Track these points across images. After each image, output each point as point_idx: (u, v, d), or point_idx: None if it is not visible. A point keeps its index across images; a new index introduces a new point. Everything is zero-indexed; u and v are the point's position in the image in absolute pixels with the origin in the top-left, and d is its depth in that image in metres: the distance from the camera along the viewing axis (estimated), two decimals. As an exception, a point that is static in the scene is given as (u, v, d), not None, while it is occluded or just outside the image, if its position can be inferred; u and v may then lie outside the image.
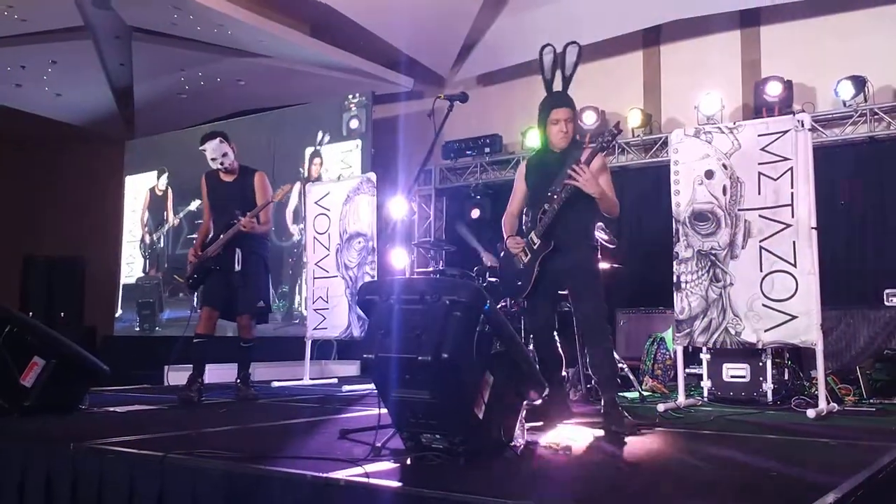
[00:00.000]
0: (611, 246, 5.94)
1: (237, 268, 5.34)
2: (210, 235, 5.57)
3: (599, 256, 4.52)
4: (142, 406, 4.96)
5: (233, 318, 5.61)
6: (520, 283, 4.31)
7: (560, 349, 4.58)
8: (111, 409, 4.74)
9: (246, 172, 5.62)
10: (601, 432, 3.76)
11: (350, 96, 9.58)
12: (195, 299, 5.59)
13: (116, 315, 11.55)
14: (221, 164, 5.47)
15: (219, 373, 6.84)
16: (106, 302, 11.63)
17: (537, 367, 3.88)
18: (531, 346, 5.07)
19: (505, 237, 4.52)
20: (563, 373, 5.06)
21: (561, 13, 8.25)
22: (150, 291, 11.29)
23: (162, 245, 11.29)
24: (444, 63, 9.43)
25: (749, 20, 8.08)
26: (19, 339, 4.34)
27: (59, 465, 3.04)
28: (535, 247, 4.24)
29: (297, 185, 9.52)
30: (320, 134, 9.87)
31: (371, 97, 9.46)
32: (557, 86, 4.43)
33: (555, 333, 4.55)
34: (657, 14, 8.16)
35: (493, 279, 6.02)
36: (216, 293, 5.46)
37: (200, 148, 5.48)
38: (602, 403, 4.08)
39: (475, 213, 9.17)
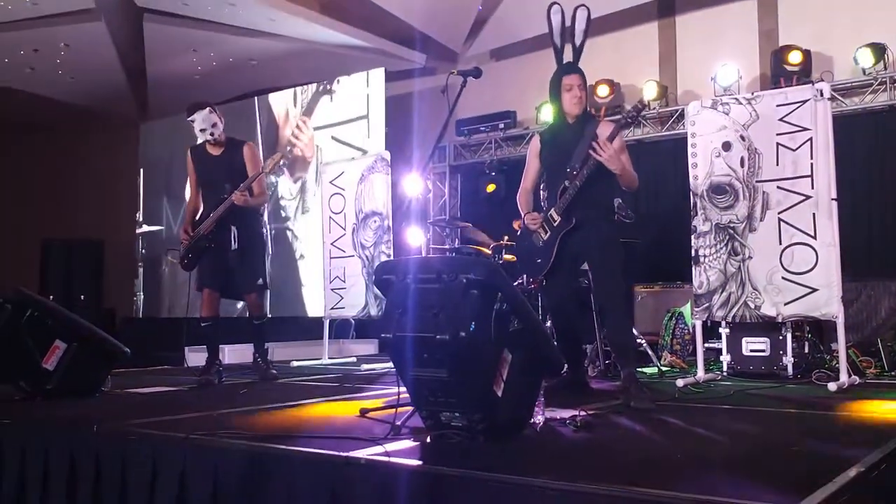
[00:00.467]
0: (627, 221, 5.90)
1: (234, 246, 5.19)
2: (200, 212, 5.40)
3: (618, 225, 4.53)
4: (163, 388, 5.00)
5: (234, 296, 5.53)
6: (539, 260, 4.29)
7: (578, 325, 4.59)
8: (133, 390, 4.78)
9: (234, 144, 5.42)
10: (620, 408, 3.75)
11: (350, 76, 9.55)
12: (191, 279, 5.46)
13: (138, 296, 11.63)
14: (211, 134, 5.27)
15: (237, 353, 6.90)
16: (125, 284, 11.72)
17: (555, 343, 3.88)
18: (548, 323, 5.07)
19: (522, 214, 4.50)
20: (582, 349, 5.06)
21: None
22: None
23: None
24: (457, 38, 9.36)
25: (766, -12, 7.95)
26: (40, 323, 4.38)
27: (83, 448, 3.07)
28: (555, 224, 4.22)
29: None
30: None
31: (384, 74, 9.39)
32: (568, 55, 4.39)
33: (573, 310, 4.55)
34: (672, -16, 8.05)
35: (509, 257, 6.00)
36: (214, 273, 5.32)
37: (188, 119, 5.29)
38: (621, 378, 4.08)
39: (490, 188, 9.13)
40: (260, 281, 5.40)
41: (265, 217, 5.70)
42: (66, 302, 10.14)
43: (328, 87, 9.92)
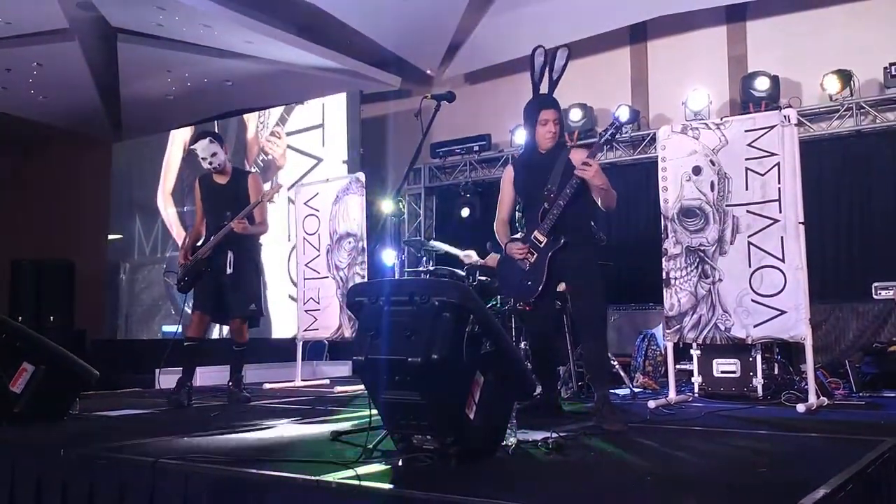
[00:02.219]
0: (600, 244, 5.95)
1: (229, 270, 5.31)
2: (202, 238, 5.53)
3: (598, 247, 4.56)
4: (133, 410, 4.94)
5: (224, 321, 5.58)
6: (529, 283, 4.27)
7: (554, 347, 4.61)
8: (102, 413, 4.72)
9: (239, 175, 5.61)
10: (593, 430, 3.76)
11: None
12: (184, 302, 5.53)
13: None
14: (210, 164, 5.43)
15: (212, 375, 6.83)
16: (96, 305, 11.59)
17: (528, 365, 3.90)
18: (522, 345, 5.08)
19: (502, 244, 4.49)
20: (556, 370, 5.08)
21: (548, 11, 8.26)
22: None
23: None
24: (432, 61, 9.43)
25: (735, 15, 8.11)
26: (8, 344, 4.30)
27: (50, 472, 3.03)
28: (541, 245, 4.22)
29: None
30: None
31: (359, 96, 9.44)
32: (544, 88, 4.46)
33: (552, 331, 4.57)
34: (643, 10, 8.18)
35: (483, 278, 6.02)
36: (207, 297, 5.42)
37: (191, 147, 5.47)
38: (594, 400, 4.10)
39: (465, 212, 9.17)
40: (253, 306, 5.47)
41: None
42: (36, 323, 10.02)
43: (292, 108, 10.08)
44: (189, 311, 5.60)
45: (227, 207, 5.39)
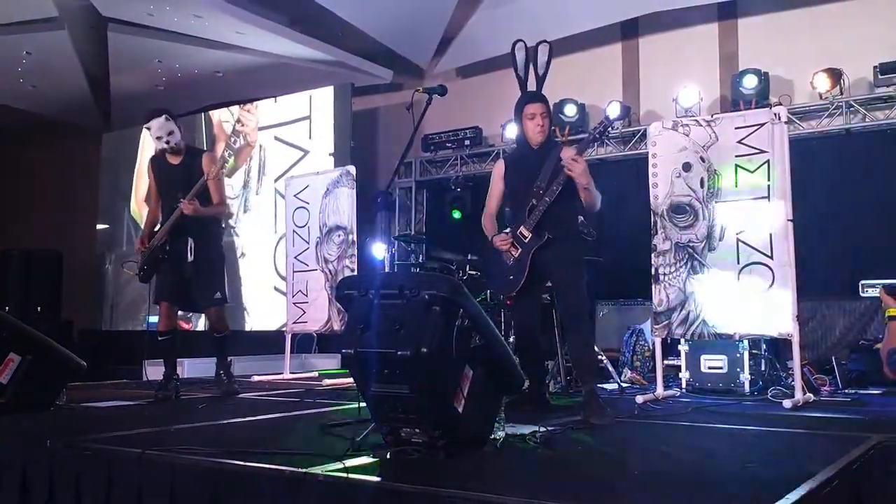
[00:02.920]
0: (589, 239, 5.96)
1: (189, 258, 5.06)
2: (158, 223, 5.27)
3: (584, 243, 4.58)
4: (120, 402, 4.93)
5: (192, 308, 5.42)
6: (511, 277, 4.30)
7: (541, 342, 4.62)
8: (89, 404, 4.70)
9: (193, 153, 5.31)
10: (581, 424, 3.78)
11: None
12: (149, 291, 5.37)
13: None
14: (167, 142, 5.15)
15: (198, 367, 6.82)
16: (84, 295, 11.53)
17: (516, 360, 3.91)
18: (510, 339, 5.09)
19: (489, 237, 4.52)
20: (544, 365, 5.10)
21: (540, 5, 8.25)
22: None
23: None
24: (424, 55, 9.41)
25: (726, 13, 8.12)
26: (-6, 335, 4.29)
27: (36, 464, 3.02)
28: (525, 240, 4.24)
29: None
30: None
31: (350, 89, 9.42)
32: (533, 86, 4.47)
33: (538, 326, 4.59)
34: (635, 7, 8.18)
35: (473, 272, 6.02)
36: (170, 286, 5.19)
37: (145, 126, 5.19)
38: (582, 394, 4.11)
39: (456, 215, 9.13)
40: (218, 295, 5.27)
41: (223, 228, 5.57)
42: (24, 313, 9.94)
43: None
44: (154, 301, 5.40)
45: (180, 189, 5.07)
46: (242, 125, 10.15)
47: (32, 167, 12.67)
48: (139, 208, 11.10)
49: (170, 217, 5.10)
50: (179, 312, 5.56)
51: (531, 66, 4.47)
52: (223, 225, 5.44)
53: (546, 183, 4.20)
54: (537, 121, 4.29)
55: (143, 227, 5.50)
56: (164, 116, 5.18)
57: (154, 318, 10.46)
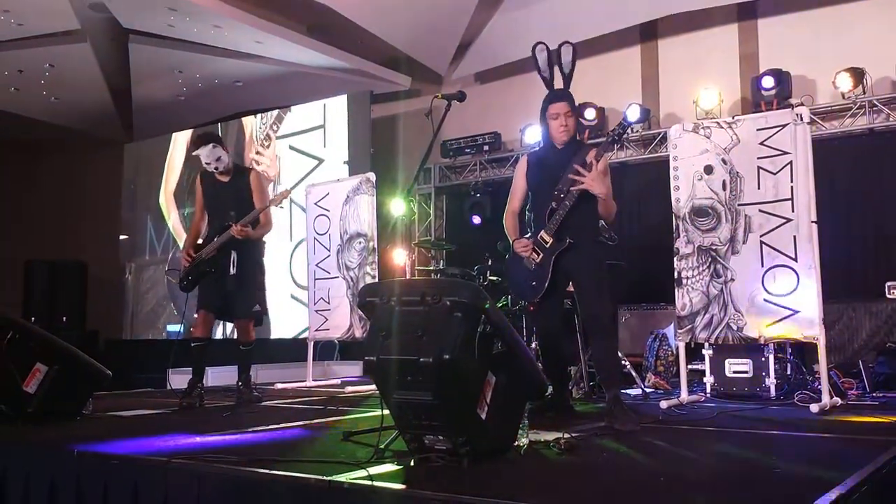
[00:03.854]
0: (610, 243, 5.93)
1: (232, 271, 5.29)
2: (204, 234, 5.52)
3: (604, 247, 4.56)
4: (145, 410, 4.96)
5: (228, 319, 5.55)
6: (534, 283, 4.28)
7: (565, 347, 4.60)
8: (115, 413, 4.74)
9: (241, 172, 5.58)
10: (605, 430, 3.75)
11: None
12: (186, 303, 5.52)
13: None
14: (216, 168, 5.42)
15: (221, 375, 6.86)
16: (108, 305, 11.64)
17: (539, 366, 3.89)
18: (533, 345, 5.08)
19: (510, 238, 4.52)
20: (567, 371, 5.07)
21: (557, 9, 8.24)
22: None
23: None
24: (442, 61, 9.42)
25: (746, 13, 8.07)
26: (21, 345, 4.33)
27: (64, 472, 3.05)
28: (546, 245, 4.23)
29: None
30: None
31: (370, 96, 9.46)
32: (559, 84, 4.45)
33: (562, 332, 4.57)
34: (654, 9, 8.16)
35: (494, 278, 6.01)
36: (211, 296, 5.41)
37: (194, 153, 5.43)
38: (606, 400, 4.09)
39: (476, 220, 9.14)
40: (257, 307, 5.46)
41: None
42: (49, 324, 10.07)
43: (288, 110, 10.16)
44: (187, 311, 5.58)
45: (231, 206, 5.36)
46: (260, 154, 10.24)
47: (55, 178, 12.82)
48: (167, 200, 11.29)
49: (218, 233, 5.34)
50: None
51: (556, 67, 4.42)
52: (264, 240, 5.65)
53: (567, 186, 4.18)
54: (561, 120, 4.27)
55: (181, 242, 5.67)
56: (210, 145, 5.41)
57: (174, 327, 10.63)
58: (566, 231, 4.19)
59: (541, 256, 4.25)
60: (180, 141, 11.18)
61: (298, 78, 9.72)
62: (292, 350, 8.63)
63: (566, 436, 3.27)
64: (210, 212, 5.55)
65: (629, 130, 8.23)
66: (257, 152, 10.26)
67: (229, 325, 8.35)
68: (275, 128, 10.21)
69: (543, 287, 4.24)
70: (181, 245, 10.36)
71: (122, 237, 11.87)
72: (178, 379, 5.85)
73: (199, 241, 5.51)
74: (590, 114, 8.30)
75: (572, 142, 4.35)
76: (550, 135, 4.35)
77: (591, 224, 4.34)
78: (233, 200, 5.41)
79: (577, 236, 4.20)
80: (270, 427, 4.10)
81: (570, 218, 4.17)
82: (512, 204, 4.59)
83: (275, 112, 10.22)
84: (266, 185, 5.61)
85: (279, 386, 6.84)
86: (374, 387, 4.74)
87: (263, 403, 5.36)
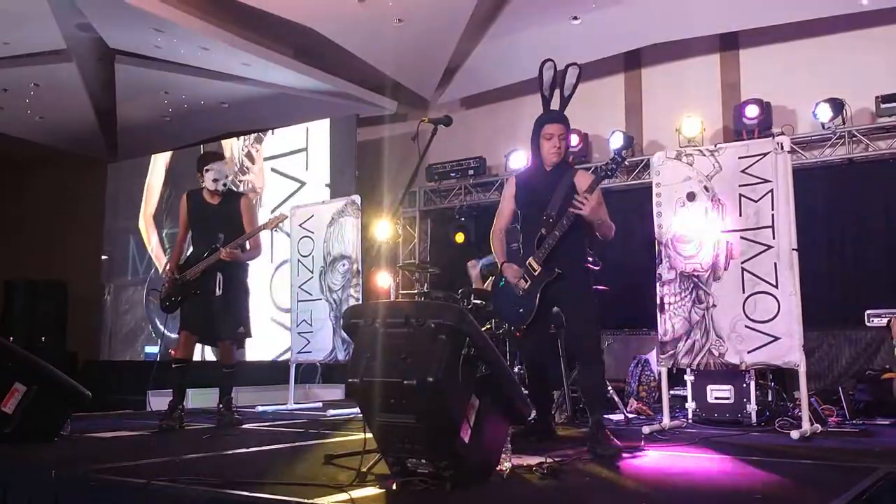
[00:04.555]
0: (595, 268, 5.95)
1: (218, 292, 5.26)
2: (189, 253, 5.48)
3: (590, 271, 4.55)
4: (124, 432, 4.91)
5: (211, 342, 5.52)
6: (521, 310, 4.28)
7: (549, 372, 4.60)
8: (93, 435, 4.68)
9: (231, 196, 5.56)
10: (586, 455, 3.75)
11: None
12: (165, 324, 5.48)
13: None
14: (224, 185, 5.40)
15: (201, 397, 6.80)
16: (88, 326, 11.53)
17: (524, 390, 3.89)
18: (516, 369, 5.07)
19: (497, 260, 4.51)
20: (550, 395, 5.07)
21: (543, 37, 8.33)
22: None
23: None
24: (428, 86, 9.48)
25: (728, 44, 8.20)
26: (0, 364, 4.29)
27: (41, 493, 3.00)
28: (535, 273, 4.22)
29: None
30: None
31: (355, 120, 9.51)
32: (556, 105, 4.44)
33: (547, 357, 4.57)
34: (638, 38, 8.26)
35: (478, 301, 6.02)
36: (195, 317, 5.35)
37: (206, 168, 5.38)
38: (589, 425, 4.07)
39: (459, 238, 9.19)
40: (241, 329, 5.43)
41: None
42: (28, 344, 9.96)
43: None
44: (166, 332, 5.54)
45: (220, 229, 5.33)
46: (248, 169, 10.25)
47: (38, 197, 12.75)
48: (146, 223, 11.27)
49: (204, 254, 5.30)
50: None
51: (559, 88, 4.41)
52: (247, 262, 5.60)
53: (556, 213, 4.18)
54: (554, 142, 4.27)
55: (158, 251, 5.66)
56: (224, 161, 5.53)
57: (151, 349, 10.55)
58: (555, 260, 4.18)
59: (529, 284, 4.25)
60: (159, 163, 11.20)
61: (285, 101, 9.75)
62: (273, 373, 8.58)
63: (549, 460, 3.27)
64: (196, 232, 5.51)
65: (625, 160, 8.34)
66: (242, 170, 10.26)
67: (208, 348, 8.31)
68: (255, 147, 10.23)
69: (531, 315, 4.23)
70: (160, 268, 10.31)
71: (104, 257, 11.79)
72: (159, 401, 5.80)
73: (183, 261, 5.46)
74: (573, 140, 8.38)
75: (561, 164, 4.35)
76: (541, 155, 4.34)
77: (579, 252, 4.33)
78: (222, 223, 5.37)
79: (566, 265, 4.19)
80: (251, 449, 4.07)
81: (560, 246, 4.17)
82: (499, 223, 4.59)
83: (254, 134, 10.24)
84: (256, 211, 5.60)
85: (260, 408, 6.79)
86: (355, 410, 4.71)
87: (244, 426, 5.32)
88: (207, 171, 5.39)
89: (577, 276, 4.26)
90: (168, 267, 5.52)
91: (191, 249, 5.56)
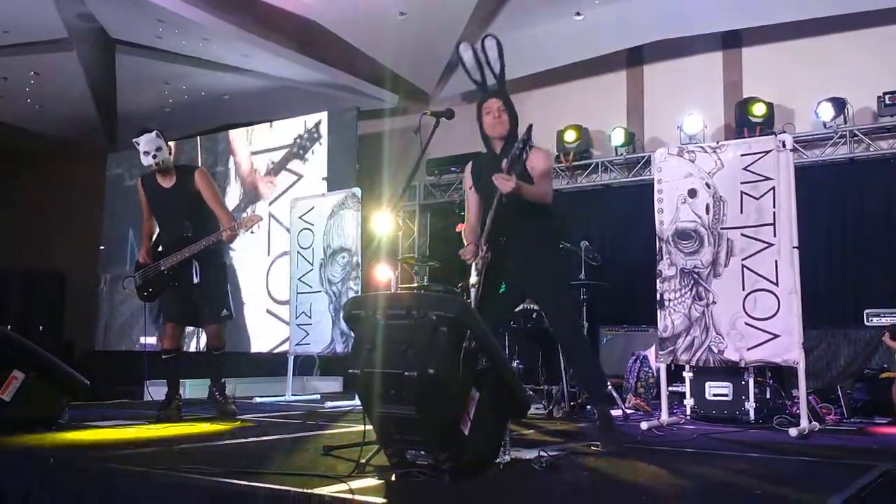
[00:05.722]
0: (594, 263, 5.96)
1: (195, 280, 5.15)
2: (156, 237, 5.36)
3: (559, 256, 4.37)
4: (122, 421, 4.90)
5: (196, 325, 5.48)
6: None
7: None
8: (91, 423, 4.68)
9: (185, 173, 5.30)
10: (586, 449, 3.75)
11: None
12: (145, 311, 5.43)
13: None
14: (154, 157, 5.14)
15: (197, 388, 6.78)
16: (85, 316, 11.52)
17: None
18: (515, 363, 5.07)
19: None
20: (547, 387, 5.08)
21: (544, 33, 8.32)
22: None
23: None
24: (429, 80, 9.47)
25: (730, 42, 8.19)
26: (-2, 352, 4.28)
27: (39, 481, 3.00)
28: (484, 251, 4.05)
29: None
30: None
31: (356, 112, 9.49)
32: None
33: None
34: (640, 34, 8.26)
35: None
36: (177, 307, 5.27)
37: (134, 140, 5.22)
38: (596, 418, 4.02)
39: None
40: (225, 311, 5.33)
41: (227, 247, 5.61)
42: (24, 333, 9.88)
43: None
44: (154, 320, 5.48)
45: (183, 214, 5.15)
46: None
47: (37, 187, 12.72)
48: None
49: (174, 241, 5.18)
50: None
51: (486, 67, 4.25)
52: (223, 245, 5.43)
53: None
54: (493, 114, 4.16)
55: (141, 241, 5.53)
56: (154, 133, 5.20)
57: (149, 340, 10.54)
58: (495, 237, 4.01)
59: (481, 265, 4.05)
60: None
61: (286, 93, 9.74)
62: (270, 364, 8.58)
63: (547, 454, 3.27)
64: (160, 220, 5.34)
65: (614, 153, 8.33)
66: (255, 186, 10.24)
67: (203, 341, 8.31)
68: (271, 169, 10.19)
69: (479, 294, 4.03)
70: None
71: (102, 247, 11.77)
72: (156, 391, 5.79)
73: (152, 242, 5.34)
74: (570, 136, 8.40)
75: (512, 141, 4.12)
76: (487, 134, 4.22)
77: (531, 229, 4.16)
78: (183, 207, 5.18)
79: (513, 242, 4.02)
80: (250, 440, 4.06)
81: (502, 222, 3.96)
82: (469, 217, 4.42)
83: (263, 126, 10.20)
84: (214, 182, 5.37)
85: (258, 400, 6.78)
86: (353, 403, 4.71)
87: (242, 417, 5.31)
88: (137, 144, 5.18)
89: (534, 249, 4.09)
90: (140, 254, 5.36)
91: (156, 231, 5.40)
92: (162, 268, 5.18)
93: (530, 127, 3.90)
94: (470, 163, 4.54)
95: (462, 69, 4.34)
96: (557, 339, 4.30)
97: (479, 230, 4.22)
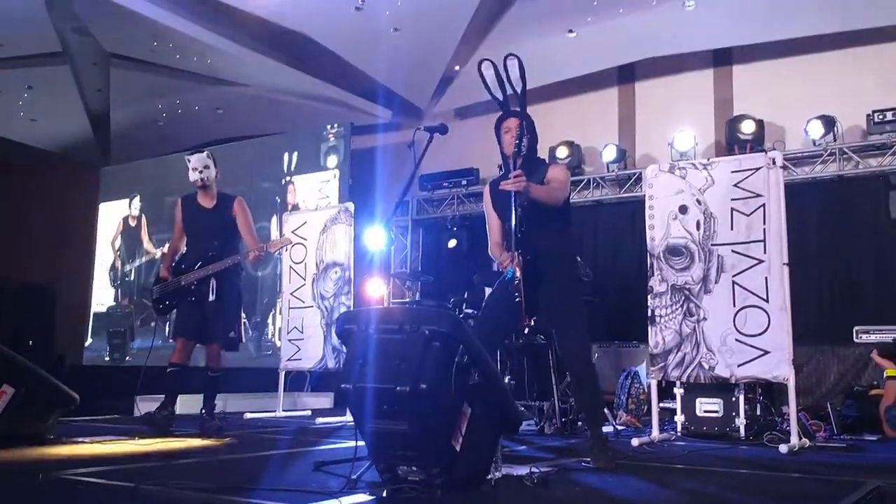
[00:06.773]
0: (585, 279, 5.96)
1: (212, 297, 5.29)
2: (180, 255, 5.55)
3: (580, 283, 4.35)
4: (112, 437, 4.87)
5: (205, 341, 5.53)
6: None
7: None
8: (81, 439, 4.65)
9: (225, 200, 5.58)
10: (577, 465, 3.75)
11: (329, 127, 9.65)
12: (166, 327, 5.51)
13: (86, 344, 11.40)
14: (201, 173, 5.42)
15: (188, 404, 6.75)
16: (76, 330, 11.47)
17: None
18: (506, 379, 5.07)
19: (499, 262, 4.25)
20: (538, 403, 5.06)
21: (538, 49, 8.36)
22: (121, 320, 11.18)
23: (133, 277, 11.21)
24: (423, 96, 9.52)
25: (722, 59, 8.27)
26: (-12, 366, 4.26)
27: (27, 497, 2.98)
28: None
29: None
30: (290, 157, 9.97)
31: (349, 128, 9.52)
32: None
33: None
34: (632, 52, 8.32)
35: (469, 311, 6.02)
36: (189, 322, 5.38)
37: (186, 157, 5.52)
38: (589, 437, 3.98)
39: (452, 244, 9.21)
40: (232, 333, 5.47)
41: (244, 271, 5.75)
42: (14, 346, 9.85)
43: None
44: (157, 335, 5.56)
45: (214, 235, 5.38)
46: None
47: (28, 199, 12.68)
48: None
49: (200, 258, 5.35)
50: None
51: (507, 86, 4.28)
52: (241, 267, 5.66)
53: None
54: (511, 133, 4.16)
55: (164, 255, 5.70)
56: (206, 153, 5.53)
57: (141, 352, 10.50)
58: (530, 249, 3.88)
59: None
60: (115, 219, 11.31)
61: (279, 107, 9.76)
62: (263, 380, 8.54)
63: (539, 470, 3.27)
64: (191, 237, 5.56)
65: (606, 169, 8.38)
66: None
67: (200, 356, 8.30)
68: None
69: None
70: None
71: (95, 261, 11.74)
72: (146, 406, 5.76)
73: (178, 260, 5.50)
74: (563, 152, 8.44)
75: (532, 160, 4.14)
76: (505, 153, 4.21)
77: (556, 240, 4.06)
78: (216, 228, 5.43)
79: (540, 252, 3.91)
80: (240, 455, 4.05)
81: (530, 236, 3.87)
82: (492, 236, 4.33)
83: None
84: (249, 212, 5.61)
85: (248, 415, 6.75)
86: (345, 419, 4.69)
87: (232, 433, 5.27)
88: (188, 160, 5.48)
89: (556, 271, 3.99)
90: (162, 269, 5.55)
91: (183, 250, 5.60)
92: (183, 283, 5.34)
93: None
94: (489, 183, 4.52)
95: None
96: (568, 369, 4.24)
97: (504, 245, 4.16)
